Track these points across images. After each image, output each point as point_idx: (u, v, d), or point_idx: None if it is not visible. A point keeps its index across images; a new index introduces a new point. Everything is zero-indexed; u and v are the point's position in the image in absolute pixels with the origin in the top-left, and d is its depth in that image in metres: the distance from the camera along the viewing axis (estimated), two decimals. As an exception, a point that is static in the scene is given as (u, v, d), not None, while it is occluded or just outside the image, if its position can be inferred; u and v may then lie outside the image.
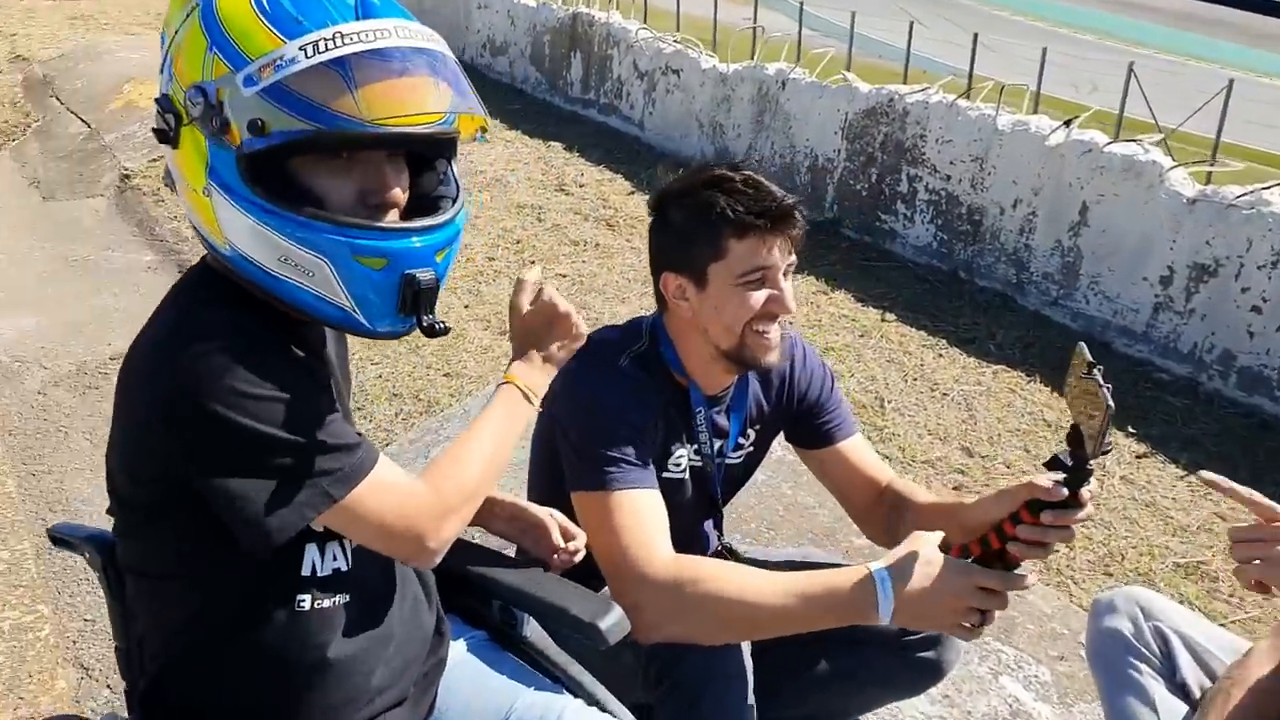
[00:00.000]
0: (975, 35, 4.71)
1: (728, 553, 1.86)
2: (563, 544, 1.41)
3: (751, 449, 1.71)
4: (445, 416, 3.12)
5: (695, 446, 1.61)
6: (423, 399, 3.25)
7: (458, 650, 1.41)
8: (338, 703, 1.18)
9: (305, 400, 1.04)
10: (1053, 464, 1.19)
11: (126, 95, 6.45)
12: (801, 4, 5.75)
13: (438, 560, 1.15)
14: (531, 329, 1.31)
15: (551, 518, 1.44)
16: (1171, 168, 3.80)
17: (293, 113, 0.95)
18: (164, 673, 1.17)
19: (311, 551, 1.14)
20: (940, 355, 3.84)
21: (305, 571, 1.14)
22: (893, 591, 1.21)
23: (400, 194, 1.06)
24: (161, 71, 1.04)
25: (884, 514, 1.62)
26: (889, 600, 1.21)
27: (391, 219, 1.04)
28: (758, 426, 1.69)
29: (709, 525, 1.77)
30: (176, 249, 4.47)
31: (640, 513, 1.42)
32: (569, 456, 1.49)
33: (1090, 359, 1.13)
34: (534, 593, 1.40)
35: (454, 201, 1.10)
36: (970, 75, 4.67)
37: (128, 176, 5.29)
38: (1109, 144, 3.99)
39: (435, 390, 3.30)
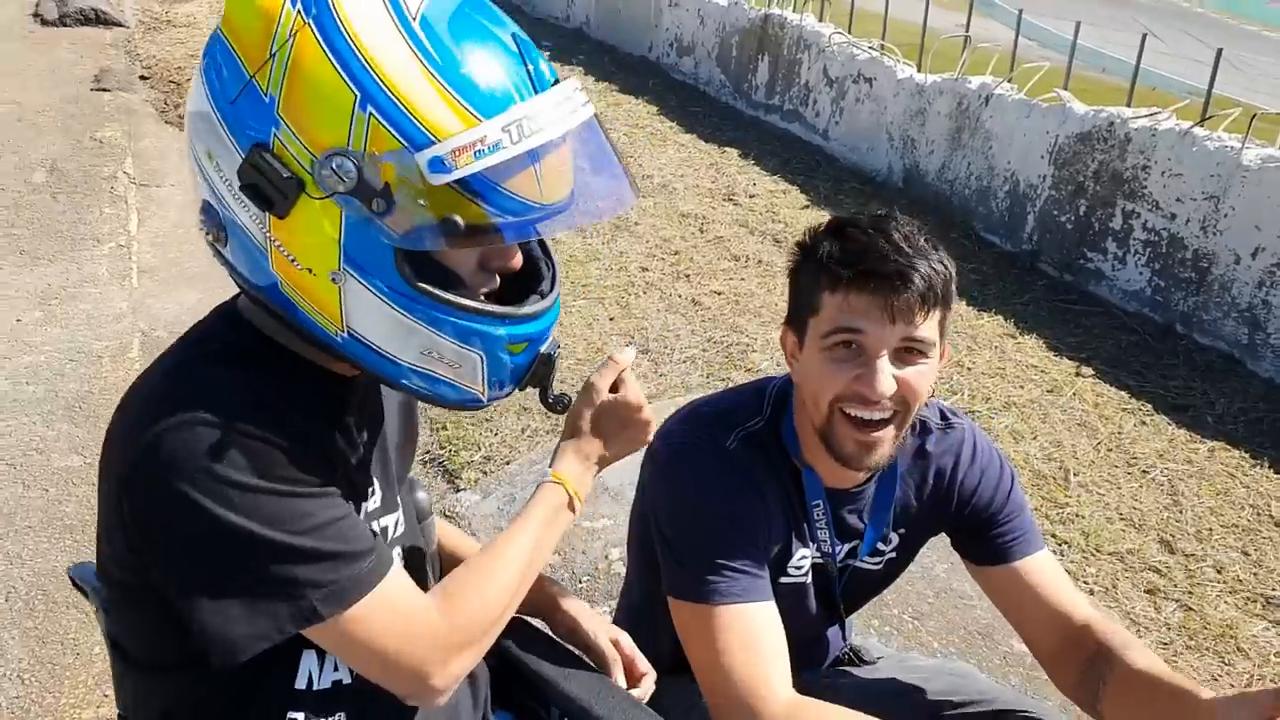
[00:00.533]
0: (1219, 51, 4.08)
1: (853, 656, 1.56)
2: (623, 685, 1.17)
3: (894, 555, 1.41)
4: (570, 440, 2.92)
5: (815, 546, 1.34)
6: (551, 416, 3.06)
7: (503, 763, 1.19)
8: None
9: (305, 491, 0.85)
10: None
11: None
12: (1020, 12, 5.21)
13: (442, 701, 0.92)
14: (600, 422, 1.08)
15: (616, 647, 1.20)
16: None
17: (488, 206, 0.81)
18: None
19: (309, 660, 0.96)
20: (1143, 423, 3.30)
21: (300, 684, 0.96)
22: None
23: (520, 259, 0.91)
24: (231, 101, 0.80)
25: (1081, 664, 1.27)
26: None
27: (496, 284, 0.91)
28: (902, 530, 1.39)
29: (834, 625, 1.48)
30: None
31: (753, 635, 1.19)
32: (665, 556, 1.26)
33: None
34: (595, 710, 1.16)
35: (548, 263, 0.97)
36: (1208, 95, 4.04)
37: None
38: (1385, 190, 3.32)
39: (566, 408, 3.11)
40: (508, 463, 2.83)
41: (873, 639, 1.72)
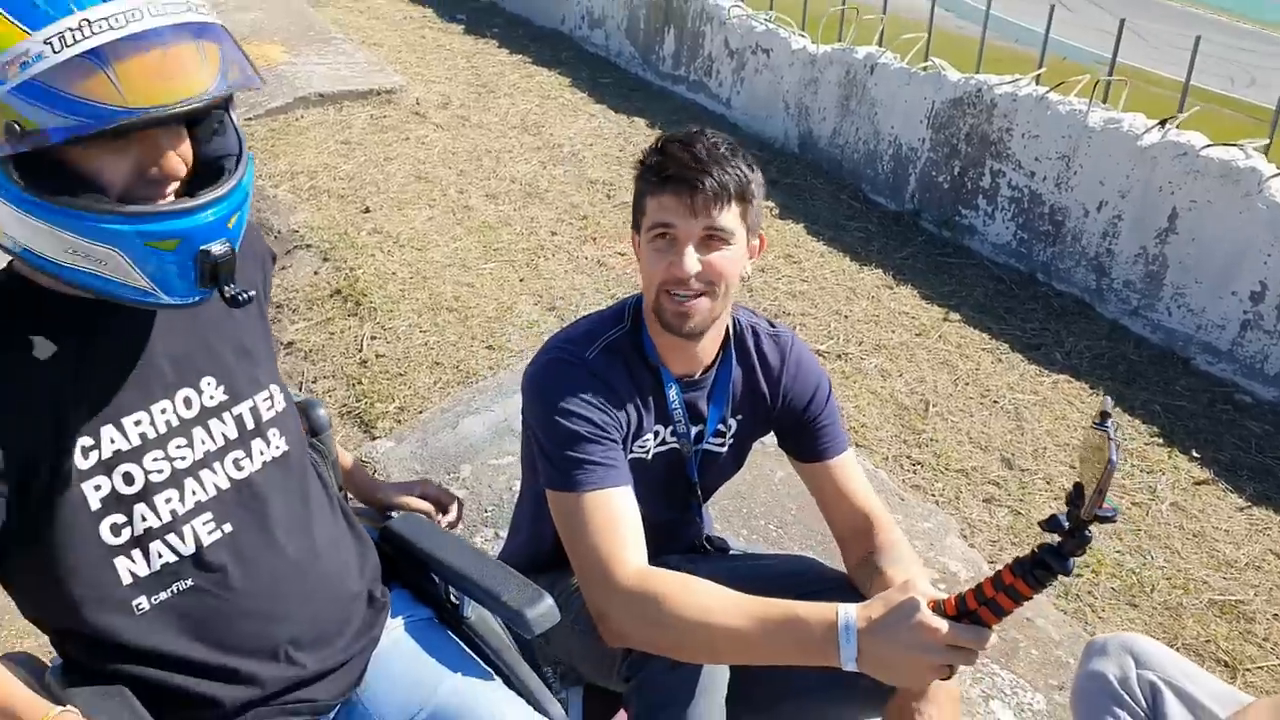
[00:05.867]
0: (1121, 21, 4.41)
1: (709, 545, 1.83)
2: (444, 521, 1.51)
3: (733, 440, 1.68)
4: (479, 388, 3.17)
5: (670, 428, 1.60)
6: (462, 369, 3.31)
7: (396, 627, 1.44)
8: (243, 676, 1.20)
9: None
10: (1050, 524, 1.06)
11: None
12: None
13: None
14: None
15: (424, 498, 1.56)
16: (1272, 176, 3.54)
17: (52, 109, 0.89)
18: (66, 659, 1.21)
19: (124, 564, 1.12)
20: (999, 360, 3.69)
21: (126, 581, 1.12)
22: (856, 639, 1.15)
23: (180, 164, 1.01)
24: None
25: (861, 554, 1.57)
26: (851, 647, 1.15)
27: (173, 189, 1.02)
28: (740, 416, 1.65)
29: (692, 509, 1.73)
30: None
31: (610, 516, 1.41)
32: (540, 455, 1.50)
33: (1107, 409, 1.02)
34: (472, 575, 1.43)
35: (238, 160, 1.05)
36: (1113, 64, 4.38)
37: None
38: (1206, 147, 3.74)
39: (476, 361, 3.36)
40: (420, 412, 3.07)
41: (739, 543, 1.99)
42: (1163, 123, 3.91)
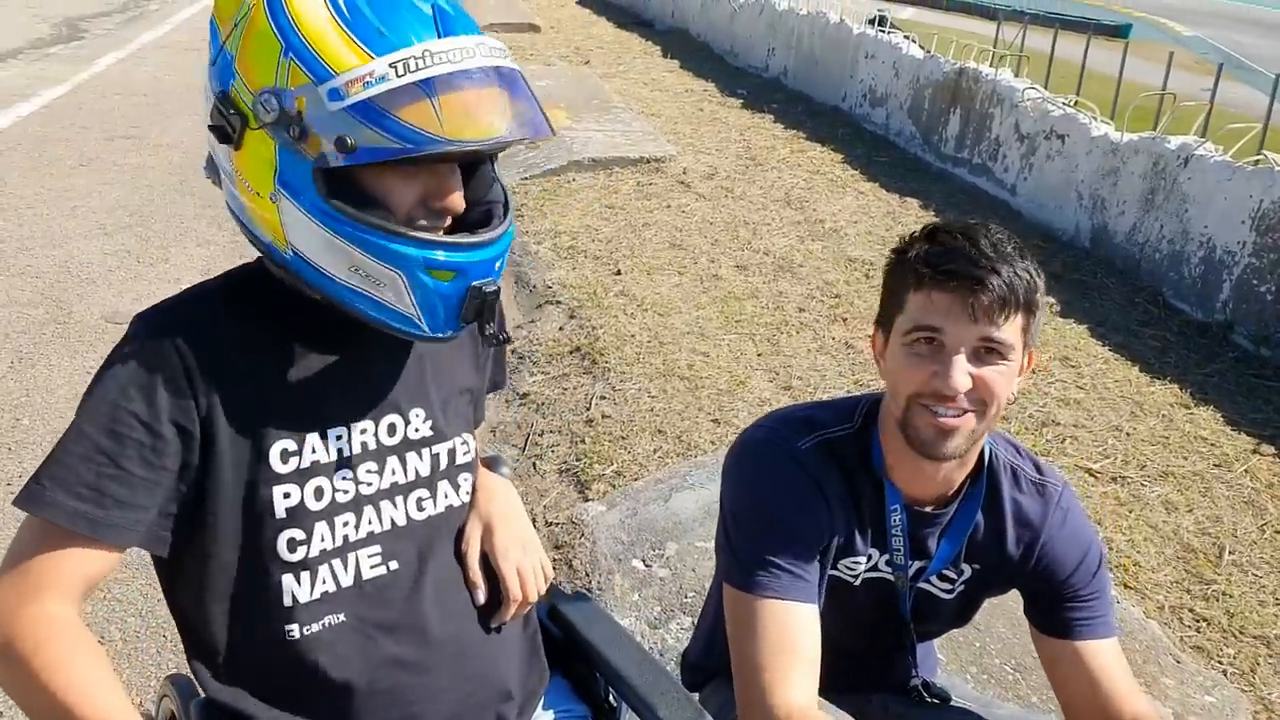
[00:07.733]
0: None
1: (923, 691, 1.56)
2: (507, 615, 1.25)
3: (963, 589, 1.41)
4: (698, 463, 3.02)
5: (887, 556, 1.36)
6: (684, 440, 3.18)
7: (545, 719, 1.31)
8: None
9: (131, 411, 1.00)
10: None
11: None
12: (1277, 76, 4.85)
13: None
14: None
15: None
16: None
17: (380, 130, 0.93)
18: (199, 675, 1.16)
19: (289, 583, 1.08)
20: (1325, 510, 3.03)
21: (287, 602, 1.08)
22: None
23: (461, 201, 1.03)
24: (213, 64, 1.01)
25: None
26: None
27: (445, 224, 1.04)
28: (976, 566, 1.39)
29: (906, 648, 1.48)
30: None
31: (784, 633, 1.24)
32: (722, 541, 1.35)
33: None
34: (631, 678, 1.28)
35: (505, 207, 1.08)
36: None
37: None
38: None
39: (699, 434, 3.21)
40: (636, 479, 2.97)
41: (968, 685, 1.69)
42: None
